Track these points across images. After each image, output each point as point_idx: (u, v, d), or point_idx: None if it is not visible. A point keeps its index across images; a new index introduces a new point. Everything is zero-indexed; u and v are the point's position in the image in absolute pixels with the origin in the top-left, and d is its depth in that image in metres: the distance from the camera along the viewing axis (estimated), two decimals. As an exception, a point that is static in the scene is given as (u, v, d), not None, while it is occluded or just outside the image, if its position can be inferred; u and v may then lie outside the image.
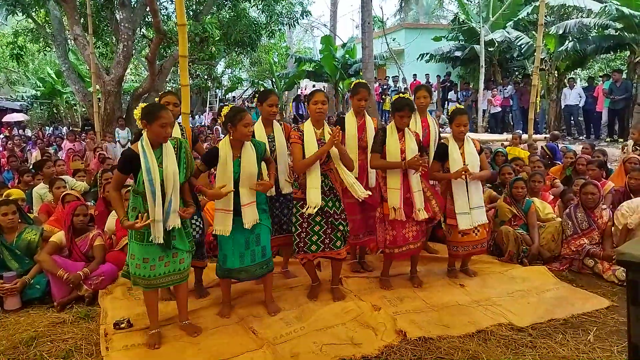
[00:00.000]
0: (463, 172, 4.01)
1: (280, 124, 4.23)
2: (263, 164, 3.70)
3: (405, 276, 4.36)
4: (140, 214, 3.09)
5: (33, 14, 14.12)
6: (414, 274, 4.31)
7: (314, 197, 3.67)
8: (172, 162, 3.15)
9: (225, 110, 3.58)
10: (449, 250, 4.42)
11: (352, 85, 4.44)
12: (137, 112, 3.19)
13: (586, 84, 14.62)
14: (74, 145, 11.43)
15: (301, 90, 24.41)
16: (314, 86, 23.75)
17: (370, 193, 3.90)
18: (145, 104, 3.23)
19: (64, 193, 5.05)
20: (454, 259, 4.48)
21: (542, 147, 8.23)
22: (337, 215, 3.79)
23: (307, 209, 3.67)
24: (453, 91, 16.74)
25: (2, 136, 17.34)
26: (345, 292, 4.02)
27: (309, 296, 3.96)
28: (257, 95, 4.08)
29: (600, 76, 13.45)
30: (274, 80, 24.27)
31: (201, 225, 3.94)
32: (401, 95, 4.10)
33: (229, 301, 3.76)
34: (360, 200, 3.86)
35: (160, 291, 3.60)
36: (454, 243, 4.32)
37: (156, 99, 3.91)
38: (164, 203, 3.11)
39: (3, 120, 22.39)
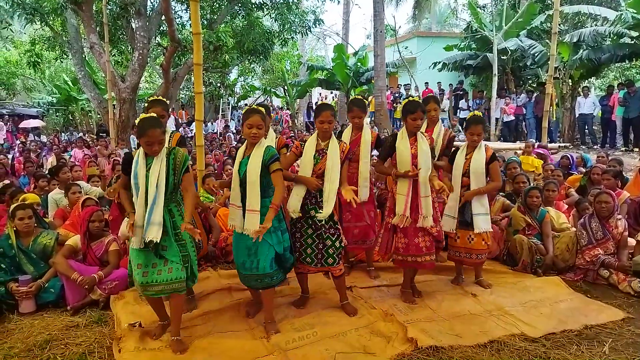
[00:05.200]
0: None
1: (276, 136, 4.28)
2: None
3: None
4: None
5: (50, 22, 14.38)
6: (407, 286, 4.18)
7: (293, 203, 3.68)
8: (159, 171, 3.14)
9: (245, 110, 3.64)
10: (448, 254, 4.46)
11: (350, 100, 4.45)
12: (137, 121, 3.24)
13: (603, 93, 14.48)
14: (82, 151, 11.59)
15: (321, 98, 24.46)
16: (325, 97, 23.84)
17: (326, 214, 3.71)
18: (144, 115, 3.24)
19: (85, 198, 5.12)
20: (458, 265, 4.48)
21: (566, 156, 8.16)
22: (326, 228, 3.71)
23: (292, 214, 3.71)
24: (464, 99, 16.67)
25: (18, 142, 17.62)
26: (357, 304, 3.95)
27: (295, 304, 3.97)
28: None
29: (617, 85, 13.29)
30: (286, 88, 24.42)
31: (200, 245, 3.96)
32: (411, 98, 4.08)
33: (260, 301, 3.80)
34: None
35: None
36: (455, 248, 4.33)
37: (147, 99, 3.95)
38: (138, 214, 3.15)
39: (20, 126, 22.78)
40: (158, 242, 3.12)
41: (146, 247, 3.17)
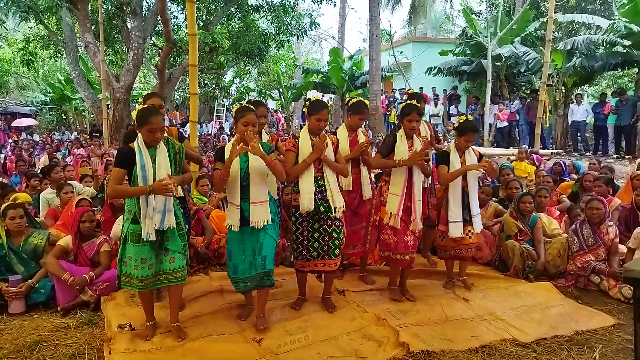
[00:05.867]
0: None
1: (268, 134, 4.33)
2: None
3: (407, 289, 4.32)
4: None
5: (45, 20, 14.32)
6: (404, 286, 4.27)
7: (307, 202, 3.69)
8: (165, 161, 3.26)
9: (236, 107, 3.59)
10: (439, 255, 4.50)
11: (353, 102, 4.45)
12: (134, 113, 3.29)
13: (596, 100, 14.60)
14: (79, 151, 11.53)
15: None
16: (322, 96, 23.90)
17: (343, 210, 3.85)
18: (141, 107, 3.32)
19: (80, 198, 5.08)
20: (449, 266, 4.52)
21: (558, 162, 8.22)
22: (331, 220, 3.78)
23: (303, 209, 3.73)
24: (454, 105, 16.69)
25: (10, 140, 17.50)
26: (341, 306, 3.98)
27: (292, 305, 3.95)
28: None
29: (611, 93, 13.43)
30: (281, 90, 24.43)
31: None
32: (407, 101, 4.15)
33: (252, 304, 3.82)
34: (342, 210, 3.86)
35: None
36: (446, 248, 4.38)
37: (139, 100, 4.01)
38: (155, 201, 3.19)
39: (12, 124, 22.63)
40: (165, 229, 3.24)
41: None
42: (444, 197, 4.31)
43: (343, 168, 3.92)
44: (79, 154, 10.87)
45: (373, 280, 4.61)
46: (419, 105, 4.63)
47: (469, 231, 4.27)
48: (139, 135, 3.25)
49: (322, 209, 3.75)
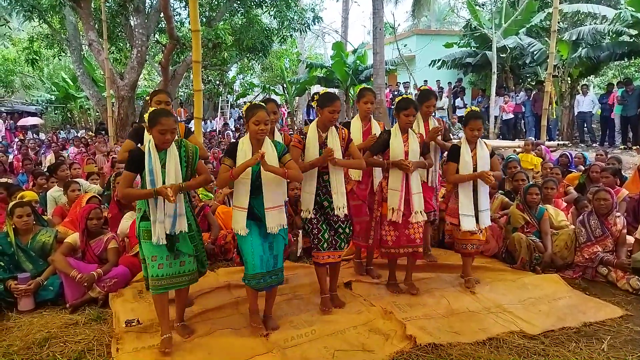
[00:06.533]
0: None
1: (281, 133, 4.27)
2: None
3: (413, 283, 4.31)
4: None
5: (49, 19, 14.36)
6: (409, 281, 4.23)
7: (307, 202, 3.72)
8: (175, 165, 3.21)
9: (245, 107, 3.48)
10: (457, 249, 4.35)
11: (358, 90, 4.47)
12: (146, 116, 3.26)
13: (602, 91, 14.48)
14: (80, 149, 11.57)
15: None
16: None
17: (345, 212, 3.78)
18: (153, 108, 3.31)
19: (90, 195, 5.10)
20: (466, 258, 4.38)
21: (565, 154, 8.18)
22: (335, 217, 3.75)
23: (304, 213, 3.73)
24: (460, 98, 16.58)
25: (16, 140, 17.58)
26: (348, 299, 3.98)
27: (323, 307, 3.81)
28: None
29: (617, 83, 13.31)
30: (285, 85, 24.39)
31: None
32: (404, 96, 4.12)
33: (256, 310, 3.56)
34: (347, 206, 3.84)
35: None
36: (462, 241, 4.24)
37: (145, 97, 4.00)
38: (165, 205, 3.15)
39: (18, 123, 22.73)
40: (177, 233, 3.20)
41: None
42: (454, 190, 4.26)
43: (357, 164, 3.87)
44: (80, 151, 10.91)
45: (379, 274, 4.60)
46: (431, 98, 4.61)
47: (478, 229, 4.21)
48: (150, 138, 3.18)
49: (325, 203, 3.75)
